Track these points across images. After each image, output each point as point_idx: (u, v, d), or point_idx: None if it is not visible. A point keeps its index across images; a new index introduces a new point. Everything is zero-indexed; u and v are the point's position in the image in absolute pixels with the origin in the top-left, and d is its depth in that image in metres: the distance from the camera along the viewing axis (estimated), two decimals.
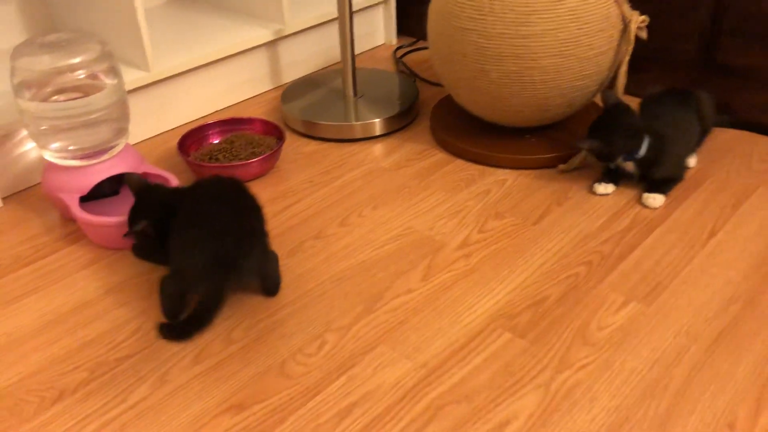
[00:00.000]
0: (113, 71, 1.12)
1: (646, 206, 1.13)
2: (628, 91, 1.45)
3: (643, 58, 1.40)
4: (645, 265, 1.02)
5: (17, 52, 1.07)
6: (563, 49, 1.12)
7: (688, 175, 1.20)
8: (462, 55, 1.17)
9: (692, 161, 1.22)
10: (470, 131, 1.30)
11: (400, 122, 1.40)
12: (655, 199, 1.13)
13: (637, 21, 1.16)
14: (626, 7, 1.16)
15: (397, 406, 0.82)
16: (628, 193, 1.17)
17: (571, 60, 1.13)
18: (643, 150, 1.12)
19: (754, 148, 1.27)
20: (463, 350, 0.89)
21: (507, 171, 1.24)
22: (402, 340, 0.91)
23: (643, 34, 1.17)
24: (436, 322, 0.93)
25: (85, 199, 1.15)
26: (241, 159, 1.24)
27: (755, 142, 1.29)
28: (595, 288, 0.98)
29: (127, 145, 1.19)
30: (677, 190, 1.17)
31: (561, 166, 1.23)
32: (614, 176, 1.17)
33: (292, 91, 1.49)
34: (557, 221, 1.11)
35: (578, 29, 1.11)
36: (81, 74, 1.09)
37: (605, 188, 1.16)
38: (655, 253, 1.04)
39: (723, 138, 1.31)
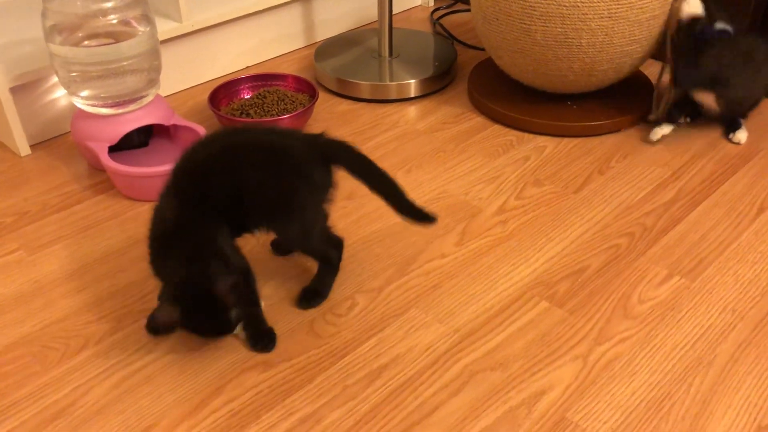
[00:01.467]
0: (146, 19, 1.09)
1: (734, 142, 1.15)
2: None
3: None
4: (690, 239, 0.97)
5: None
6: (614, 10, 1.06)
7: (736, 150, 1.15)
8: (506, 14, 1.12)
9: (743, 135, 1.16)
10: (509, 96, 1.26)
11: (436, 84, 1.36)
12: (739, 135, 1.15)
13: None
14: None
15: (429, 370, 0.79)
16: (674, 164, 1.12)
17: (621, 23, 1.08)
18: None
19: None
20: (498, 317, 0.86)
21: (547, 138, 1.20)
22: (435, 304, 0.88)
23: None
24: (471, 288, 0.90)
25: (115, 149, 1.13)
26: (272, 115, 1.21)
27: None
28: (637, 260, 0.94)
29: (157, 96, 1.16)
30: (725, 164, 1.12)
31: (651, 117, 1.21)
32: (680, 111, 1.17)
33: (325, 49, 1.45)
34: (598, 190, 1.07)
35: None
36: (113, 19, 1.06)
37: (662, 130, 1.16)
38: (701, 227, 0.99)
39: None
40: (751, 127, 1.20)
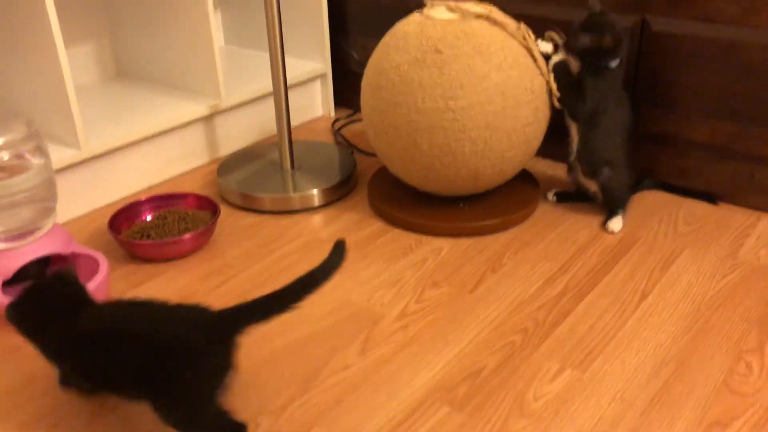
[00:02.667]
0: (40, 151, 1.10)
1: (608, 232, 1.25)
2: (556, 157, 1.51)
3: None
4: (579, 330, 1.03)
5: None
6: (491, 121, 1.15)
7: (616, 240, 1.24)
8: (394, 128, 1.20)
9: (616, 225, 1.25)
10: (406, 200, 1.32)
11: (338, 193, 1.41)
12: (611, 225, 1.25)
13: (555, 89, 1.21)
14: (547, 74, 1.21)
15: None
16: (561, 258, 1.19)
17: (499, 132, 1.16)
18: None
19: (679, 211, 1.32)
20: (402, 426, 0.87)
21: (443, 239, 1.26)
22: (338, 421, 0.89)
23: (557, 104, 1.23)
24: (374, 399, 0.92)
25: (9, 283, 1.11)
26: (173, 235, 1.22)
27: (680, 205, 1.34)
28: (531, 356, 0.98)
29: (54, 225, 1.16)
30: (608, 254, 1.19)
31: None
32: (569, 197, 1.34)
33: (228, 165, 1.49)
34: (492, 289, 1.12)
35: (504, 102, 1.15)
36: (5, 155, 1.07)
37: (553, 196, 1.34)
38: (589, 318, 1.05)
39: (649, 200, 1.35)
40: (630, 217, 1.29)
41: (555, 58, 1.23)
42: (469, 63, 1.14)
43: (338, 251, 0.83)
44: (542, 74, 1.20)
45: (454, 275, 1.16)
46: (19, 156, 1.10)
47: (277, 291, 0.81)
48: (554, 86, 1.22)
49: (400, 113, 1.18)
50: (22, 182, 1.07)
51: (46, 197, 1.11)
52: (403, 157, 1.22)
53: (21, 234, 1.10)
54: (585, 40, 1.18)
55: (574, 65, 1.21)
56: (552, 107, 1.24)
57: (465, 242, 1.24)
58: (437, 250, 1.23)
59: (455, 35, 1.15)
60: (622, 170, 1.25)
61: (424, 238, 1.26)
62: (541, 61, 1.20)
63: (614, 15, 1.20)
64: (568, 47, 1.21)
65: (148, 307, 0.85)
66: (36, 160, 1.10)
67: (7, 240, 1.09)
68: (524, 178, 1.38)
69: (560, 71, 1.22)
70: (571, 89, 1.21)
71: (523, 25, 1.20)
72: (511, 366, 0.96)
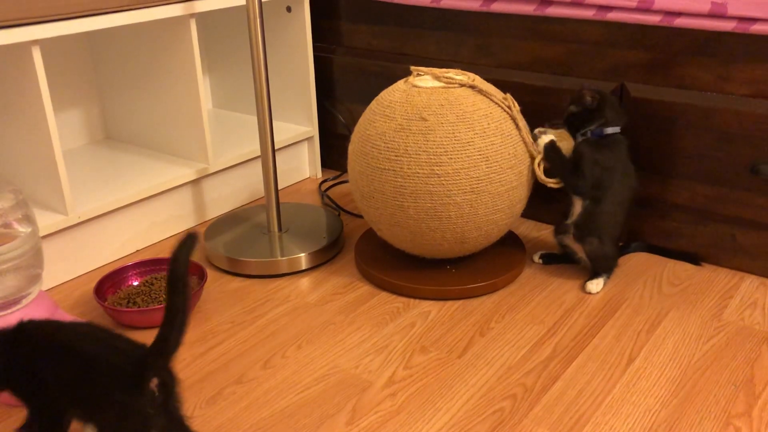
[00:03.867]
0: (27, 219, 1.10)
1: (585, 292, 1.27)
2: (540, 219, 1.53)
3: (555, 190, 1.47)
4: (568, 395, 1.02)
5: None
6: (476, 185, 1.17)
7: (603, 302, 1.25)
8: (381, 192, 1.21)
9: (593, 287, 1.26)
10: (393, 263, 1.32)
11: (326, 256, 1.41)
12: (590, 286, 1.26)
13: (538, 159, 1.24)
14: (531, 146, 1.24)
15: None
16: (548, 321, 1.19)
17: (484, 196, 1.18)
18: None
19: (663, 272, 1.34)
20: None
21: (431, 302, 1.26)
22: None
23: (539, 173, 1.25)
24: None
25: None
26: (160, 302, 1.21)
27: (664, 266, 1.35)
28: (521, 423, 0.97)
29: (40, 293, 1.15)
30: (594, 317, 1.20)
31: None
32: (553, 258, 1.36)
33: (215, 228, 1.49)
34: (481, 353, 1.12)
35: (488, 167, 1.17)
36: None
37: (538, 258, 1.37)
38: (577, 382, 1.05)
39: (635, 262, 1.37)
40: (615, 278, 1.31)
41: (545, 138, 1.24)
42: (453, 130, 1.16)
43: (182, 251, 0.81)
44: (526, 143, 1.23)
45: (442, 339, 1.16)
46: (7, 225, 1.10)
47: (166, 316, 0.79)
48: (537, 163, 1.24)
49: (386, 179, 1.19)
50: (8, 251, 1.06)
51: (32, 265, 1.11)
52: (389, 221, 1.23)
53: (6, 302, 1.09)
54: (570, 107, 1.22)
55: (568, 143, 1.25)
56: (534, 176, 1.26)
57: (453, 305, 1.25)
58: (425, 314, 1.23)
59: (440, 103, 1.18)
60: (611, 240, 1.26)
61: (412, 301, 1.26)
62: (525, 130, 1.23)
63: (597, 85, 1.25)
64: (561, 123, 1.25)
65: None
66: (23, 229, 1.10)
67: None
68: (510, 240, 1.39)
69: (551, 152, 1.24)
70: (567, 167, 1.23)
71: (509, 96, 1.24)
72: None
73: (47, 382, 0.84)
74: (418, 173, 1.17)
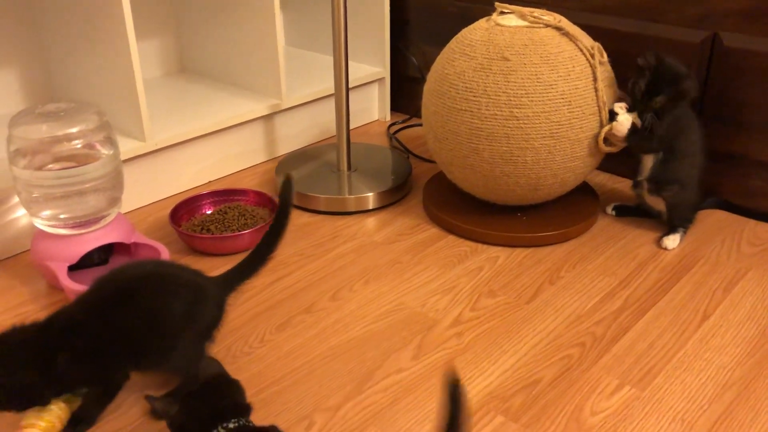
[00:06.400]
0: (110, 141, 1.13)
1: (662, 248, 1.23)
2: (615, 171, 1.48)
3: None
4: (638, 348, 1.01)
5: (15, 121, 1.07)
6: (556, 130, 1.14)
7: (678, 258, 1.21)
8: (455, 134, 1.19)
9: (671, 242, 1.23)
10: (463, 207, 1.31)
11: (393, 197, 1.41)
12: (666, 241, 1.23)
13: (605, 129, 1.18)
14: (603, 104, 1.18)
15: None
16: (621, 273, 1.17)
17: (563, 141, 1.15)
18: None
19: (743, 231, 1.29)
20: None
21: (499, 248, 1.25)
22: (392, 422, 0.89)
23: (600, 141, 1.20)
24: (428, 404, 0.91)
25: (74, 268, 1.13)
26: (233, 230, 1.24)
27: (744, 225, 1.30)
28: (589, 371, 0.97)
29: (118, 215, 1.19)
30: (669, 272, 1.17)
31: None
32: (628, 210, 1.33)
33: (286, 164, 1.50)
34: (550, 300, 1.11)
35: (569, 112, 1.14)
36: (77, 144, 1.10)
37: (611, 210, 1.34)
38: (649, 336, 1.03)
39: (712, 220, 1.32)
40: (692, 235, 1.26)
41: (623, 120, 1.18)
42: (536, 71, 1.13)
43: (286, 188, 0.95)
44: (598, 98, 1.17)
45: (510, 285, 1.15)
46: (90, 146, 1.12)
47: (253, 251, 0.98)
48: (603, 133, 1.19)
49: (462, 120, 1.17)
50: (91, 171, 1.09)
51: (112, 187, 1.14)
52: (462, 164, 1.22)
53: (87, 221, 1.12)
54: (637, 80, 1.17)
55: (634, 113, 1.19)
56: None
57: (522, 252, 1.23)
58: (493, 259, 1.22)
59: (523, 43, 1.14)
60: (692, 189, 1.22)
61: (480, 246, 1.25)
62: (600, 83, 1.17)
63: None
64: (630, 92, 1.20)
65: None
66: (105, 151, 1.12)
67: (73, 226, 1.12)
68: (584, 191, 1.36)
69: (631, 132, 1.18)
70: (642, 139, 1.18)
71: (597, 45, 1.19)
72: (569, 380, 0.95)
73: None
74: (497, 115, 1.14)
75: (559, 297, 1.12)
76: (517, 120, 1.13)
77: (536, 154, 1.15)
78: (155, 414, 0.89)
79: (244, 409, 0.79)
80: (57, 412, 0.84)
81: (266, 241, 0.98)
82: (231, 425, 0.75)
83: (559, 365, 0.98)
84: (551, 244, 1.25)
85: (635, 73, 1.17)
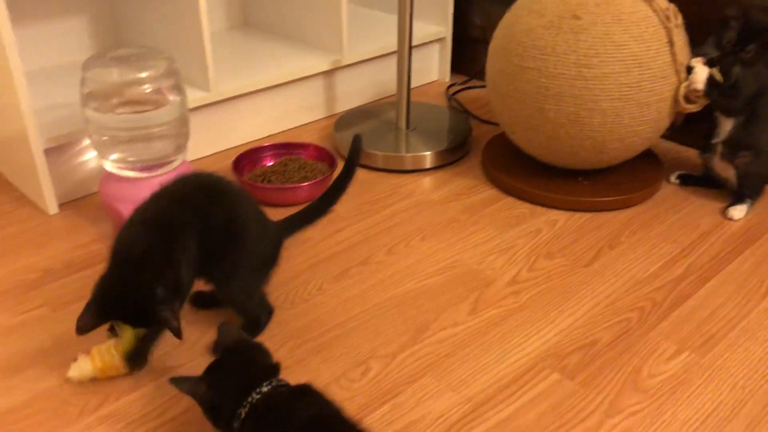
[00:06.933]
0: (178, 88, 1.15)
1: (727, 218, 1.20)
2: (680, 141, 1.45)
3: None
4: (699, 315, 0.99)
5: (89, 64, 1.10)
6: (625, 92, 1.11)
7: (743, 230, 1.18)
8: (521, 92, 1.18)
9: (737, 212, 1.20)
10: (522, 170, 1.30)
11: (451, 157, 1.40)
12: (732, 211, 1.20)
13: (684, 86, 1.16)
14: (680, 66, 1.15)
15: None
16: (683, 241, 1.15)
17: (631, 104, 1.12)
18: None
19: None
20: (511, 387, 0.87)
21: (559, 211, 1.23)
22: (448, 372, 0.90)
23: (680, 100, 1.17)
24: (483, 357, 0.92)
25: None
26: (293, 182, 1.25)
27: None
28: (647, 335, 0.96)
29: (184, 162, 1.21)
30: (733, 243, 1.14)
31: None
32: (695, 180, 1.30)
33: (345, 120, 1.51)
34: (609, 265, 1.10)
35: (640, 74, 1.11)
36: (147, 88, 1.12)
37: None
38: (710, 304, 1.01)
39: None
40: (759, 207, 1.23)
41: (700, 72, 1.15)
42: (607, 31, 1.10)
43: (356, 146, 0.98)
44: (675, 62, 1.14)
45: (569, 248, 1.14)
46: (158, 91, 1.15)
47: (317, 200, 1.02)
48: (682, 90, 1.15)
49: (529, 78, 1.16)
50: (160, 116, 1.12)
51: (179, 133, 1.16)
52: (527, 124, 1.20)
53: (154, 165, 1.15)
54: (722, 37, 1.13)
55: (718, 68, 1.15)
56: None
57: (582, 216, 1.22)
58: (552, 222, 1.21)
59: (595, 2, 1.12)
60: (766, 159, 1.18)
61: (539, 209, 1.24)
62: (678, 47, 1.14)
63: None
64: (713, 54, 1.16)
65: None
66: (173, 97, 1.14)
67: (141, 169, 1.15)
68: (648, 157, 1.33)
69: (710, 86, 1.15)
70: (726, 96, 1.15)
71: (672, 6, 1.15)
72: (626, 342, 0.94)
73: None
74: (564, 74, 1.12)
75: (619, 262, 1.10)
76: (586, 80, 1.11)
77: (603, 117, 1.13)
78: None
79: (274, 369, 0.75)
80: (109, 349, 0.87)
81: (328, 194, 1.01)
82: (264, 389, 0.72)
83: (617, 328, 0.97)
84: (612, 209, 1.23)
85: (719, 27, 1.14)
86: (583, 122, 1.14)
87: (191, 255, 0.84)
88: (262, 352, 0.78)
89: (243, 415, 0.71)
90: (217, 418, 0.73)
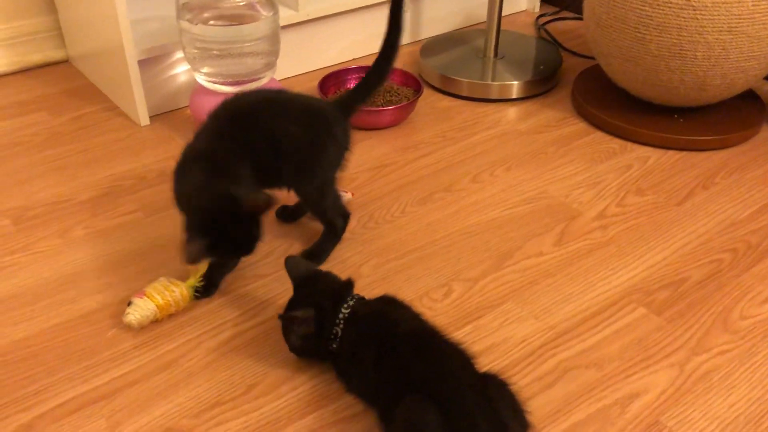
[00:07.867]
0: (270, 4, 1.15)
1: None
2: None
3: None
4: None
5: None
6: (735, 24, 1.05)
7: None
8: (621, 21, 1.13)
9: None
10: (615, 104, 1.26)
11: (539, 88, 1.37)
12: None
13: None
14: None
15: (523, 362, 0.81)
16: None
17: (740, 38, 1.06)
18: None
19: None
20: (595, 318, 0.87)
21: (650, 149, 1.19)
22: (531, 300, 0.89)
23: None
24: (568, 288, 0.91)
25: None
26: (377, 105, 1.24)
27: None
28: (740, 276, 0.93)
29: (272, 79, 1.22)
30: None
31: None
32: None
33: (431, 47, 1.48)
34: (702, 205, 1.06)
35: (754, 5, 1.04)
36: (241, 2, 1.13)
37: None
38: None
39: None
40: None
41: None
42: None
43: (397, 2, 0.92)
44: None
45: (661, 185, 1.10)
46: (251, 6, 1.15)
47: (367, 73, 0.96)
48: None
49: (631, 6, 1.10)
50: (252, 31, 1.12)
51: (269, 50, 1.16)
52: (625, 55, 1.15)
53: (244, 81, 1.16)
54: None
55: None
56: None
57: (675, 155, 1.18)
58: (643, 158, 1.17)
59: None
60: None
61: (630, 145, 1.21)
62: None
63: None
64: None
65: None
66: (265, 12, 1.14)
67: (231, 84, 1.16)
68: (750, 98, 1.26)
69: None
70: None
71: None
72: (717, 282, 0.92)
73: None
74: (670, 3, 1.06)
75: (713, 202, 1.06)
76: (693, 10, 1.05)
77: (708, 50, 1.07)
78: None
79: (351, 285, 0.80)
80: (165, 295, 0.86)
81: (379, 63, 0.96)
82: (350, 302, 0.77)
83: (708, 267, 0.94)
84: (708, 149, 1.18)
85: None
86: (686, 55, 1.09)
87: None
88: (332, 276, 0.82)
89: (340, 332, 0.76)
90: (320, 337, 0.76)
